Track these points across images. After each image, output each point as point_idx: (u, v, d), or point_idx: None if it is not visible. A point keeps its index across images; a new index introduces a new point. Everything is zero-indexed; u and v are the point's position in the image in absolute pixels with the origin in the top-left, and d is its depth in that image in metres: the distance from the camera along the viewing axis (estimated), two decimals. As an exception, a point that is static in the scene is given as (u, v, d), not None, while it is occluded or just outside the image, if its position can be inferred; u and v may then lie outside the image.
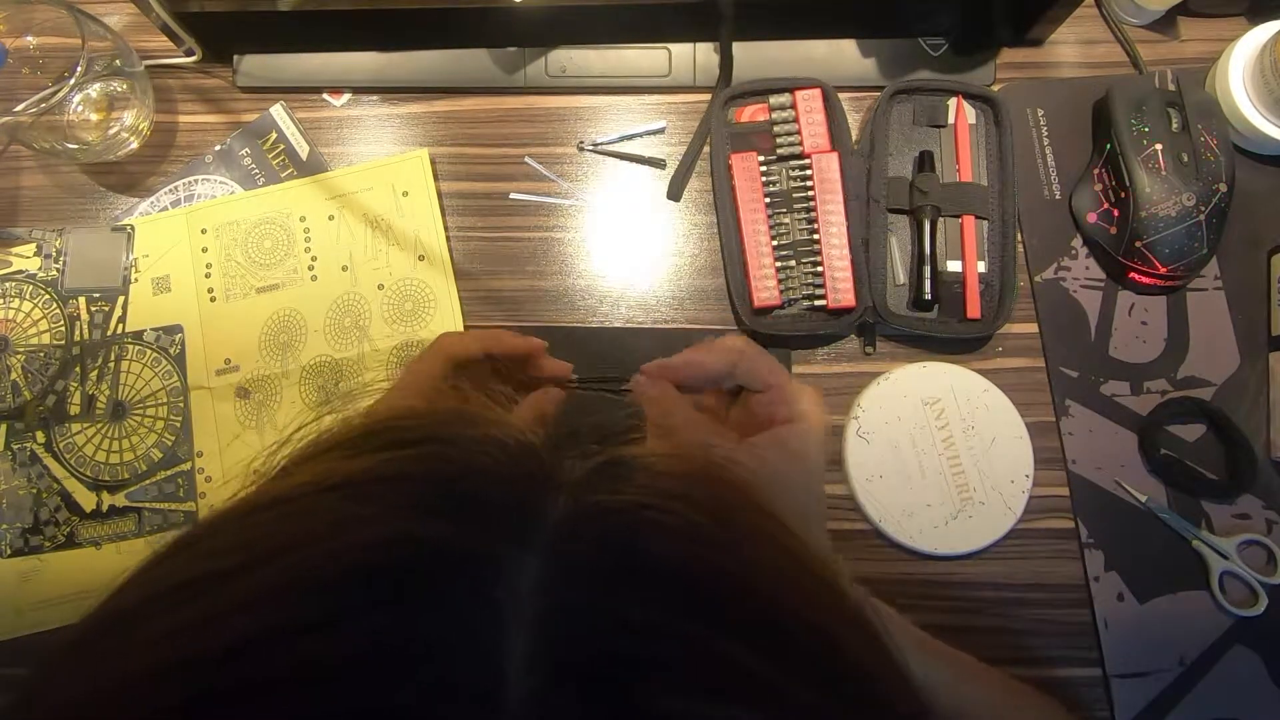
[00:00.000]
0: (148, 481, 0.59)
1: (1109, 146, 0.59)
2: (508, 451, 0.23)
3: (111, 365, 0.60)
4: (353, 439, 0.24)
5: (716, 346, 0.44)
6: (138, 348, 0.60)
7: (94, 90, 0.62)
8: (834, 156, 0.60)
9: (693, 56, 0.63)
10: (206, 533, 0.22)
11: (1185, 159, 0.57)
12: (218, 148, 0.63)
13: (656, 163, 0.63)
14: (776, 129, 0.61)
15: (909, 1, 0.63)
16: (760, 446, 0.43)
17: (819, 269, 0.59)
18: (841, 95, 0.62)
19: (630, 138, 0.64)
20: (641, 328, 0.61)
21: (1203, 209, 0.57)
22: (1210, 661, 0.55)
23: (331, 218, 0.62)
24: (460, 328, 0.60)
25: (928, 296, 0.58)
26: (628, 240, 0.62)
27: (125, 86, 0.61)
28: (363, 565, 0.18)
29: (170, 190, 0.63)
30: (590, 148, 0.63)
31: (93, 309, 0.61)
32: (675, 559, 0.20)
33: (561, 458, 0.23)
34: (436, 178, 0.62)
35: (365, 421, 0.25)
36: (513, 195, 0.63)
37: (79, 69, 0.54)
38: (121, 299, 0.61)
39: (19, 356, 0.60)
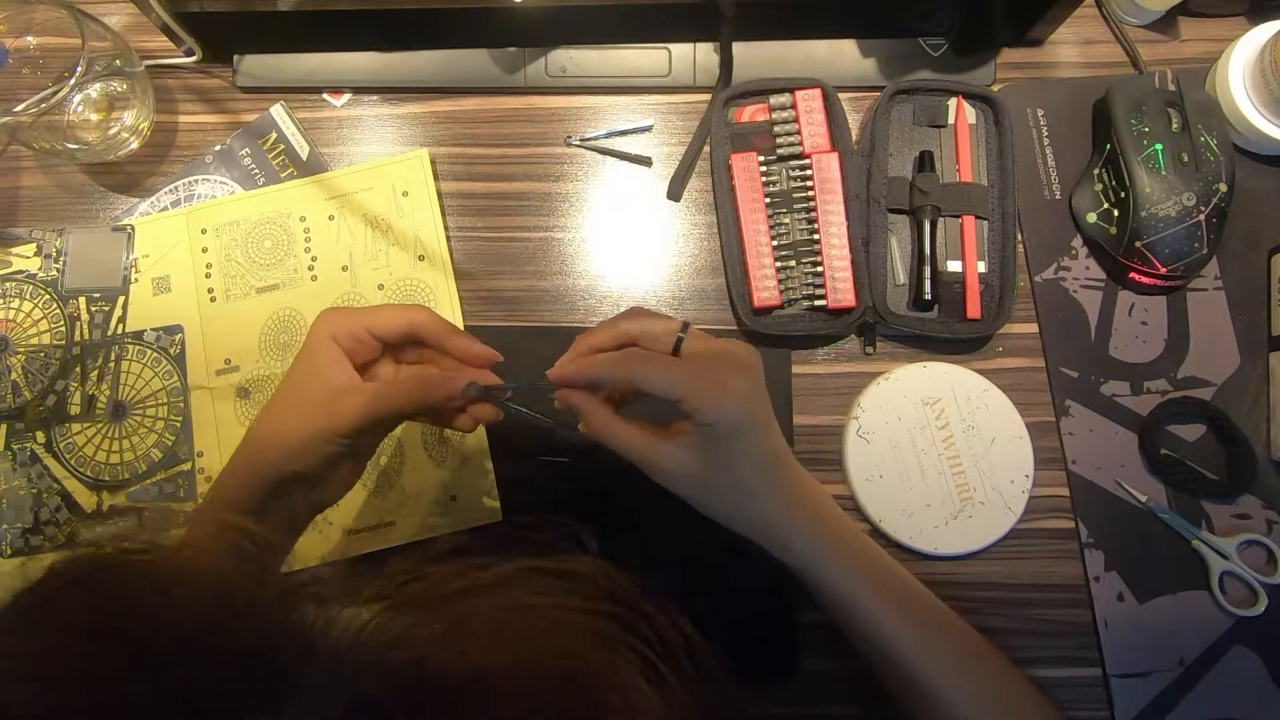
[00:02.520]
0: (148, 481, 0.59)
1: (1109, 146, 0.59)
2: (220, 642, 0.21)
3: (111, 365, 0.60)
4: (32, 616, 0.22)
5: (610, 360, 0.44)
6: (138, 348, 0.60)
7: (94, 90, 0.62)
8: (834, 156, 0.60)
9: (693, 56, 0.63)
10: None
11: (1185, 159, 0.57)
12: (218, 148, 0.63)
13: (643, 160, 0.63)
14: (776, 129, 0.61)
15: (909, 1, 0.63)
16: (666, 459, 0.43)
17: (819, 269, 0.59)
18: (841, 95, 0.62)
19: (619, 134, 0.63)
20: (641, 328, 0.61)
21: (1203, 209, 0.57)
22: (1210, 661, 0.55)
23: (331, 218, 0.62)
24: (460, 327, 0.60)
25: (928, 296, 0.58)
26: (628, 240, 0.62)
27: (125, 86, 0.61)
28: None
29: (170, 190, 0.63)
30: (577, 143, 0.63)
31: (93, 309, 0.61)
32: None
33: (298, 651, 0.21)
34: (436, 178, 0.62)
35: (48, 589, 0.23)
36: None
37: (79, 69, 0.54)
38: (121, 299, 0.61)
39: (19, 356, 0.60)
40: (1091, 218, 0.60)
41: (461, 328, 0.60)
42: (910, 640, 0.45)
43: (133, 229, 0.62)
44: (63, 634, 0.22)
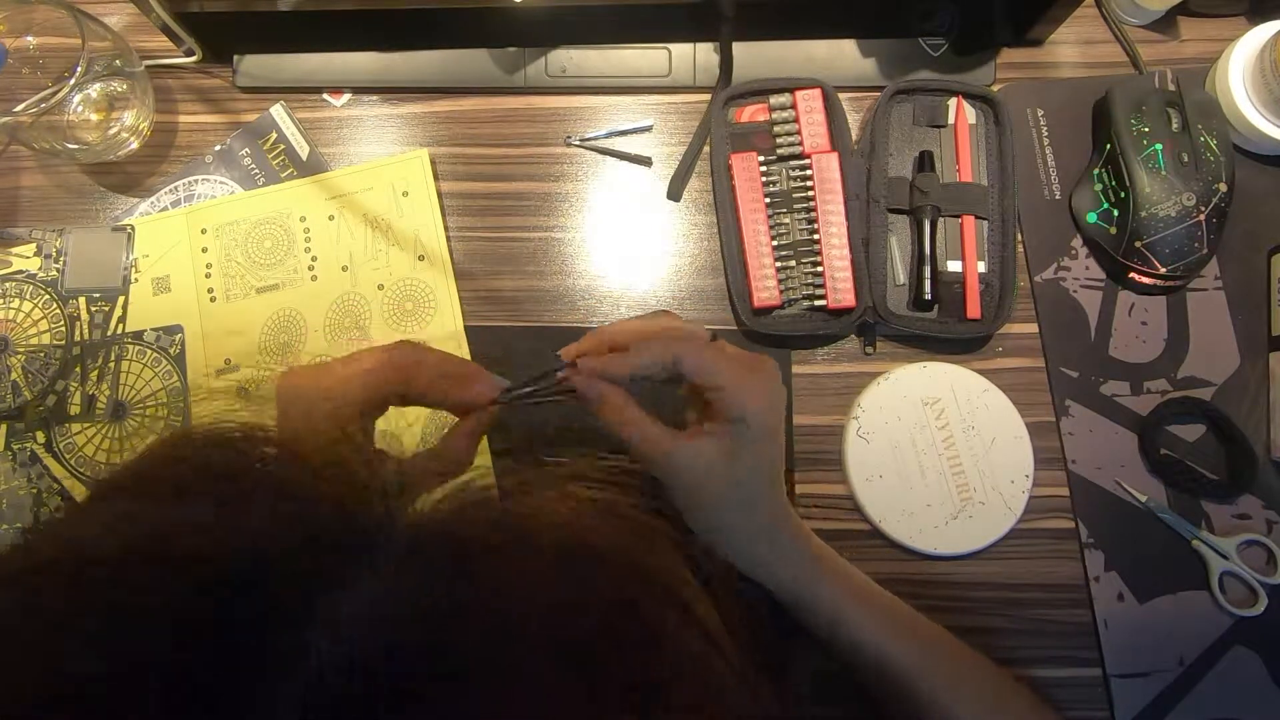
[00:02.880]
0: (148, 481, 0.59)
1: (1109, 146, 0.59)
2: (294, 524, 0.21)
3: (111, 365, 0.60)
4: (141, 482, 0.23)
5: (651, 339, 0.42)
6: (138, 348, 0.60)
7: (94, 90, 0.62)
8: (834, 156, 0.60)
9: (693, 56, 0.63)
10: None
11: (1185, 159, 0.57)
12: (218, 148, 0.63)
13: (643, 160, 0.63)
14: (776, 129, 0.61)
15: (909, 1, 0.63)
16: (686, 455, 0.42)
17: (819, 269, 0.59)
18: (841, 95, 0.62)
19: (619, 134, 0.63)
20: (641, 328, 0.61)
21: (1203, 209, 0.57)
22: (1210, 661, 0.55)
23: (331, 218, 0.62)
24: (460, 328, 0.60)
25: (928, 296, 0.58)
26: (628, 240, 0.62)
27: (125, 86, 0.61)
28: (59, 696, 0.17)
29: (170, 190, 0.63)
30: (578, 143, 0.63)
31: (93, 309, 0.61)
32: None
33: (388, 516, 0.22)
34: (436, 178, 0.62)
35: (154, 458, 0.24)
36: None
37: (79, 69, 0.54)
38: (121, 299, 0.61)
39: (19, 356, 0.60)
40: (1091, 218, 0.60)
41: (461, 328, 0.60)
42: (906, 655, 0.45)
43: (133, 229, 0.62)
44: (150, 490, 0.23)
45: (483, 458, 0.58)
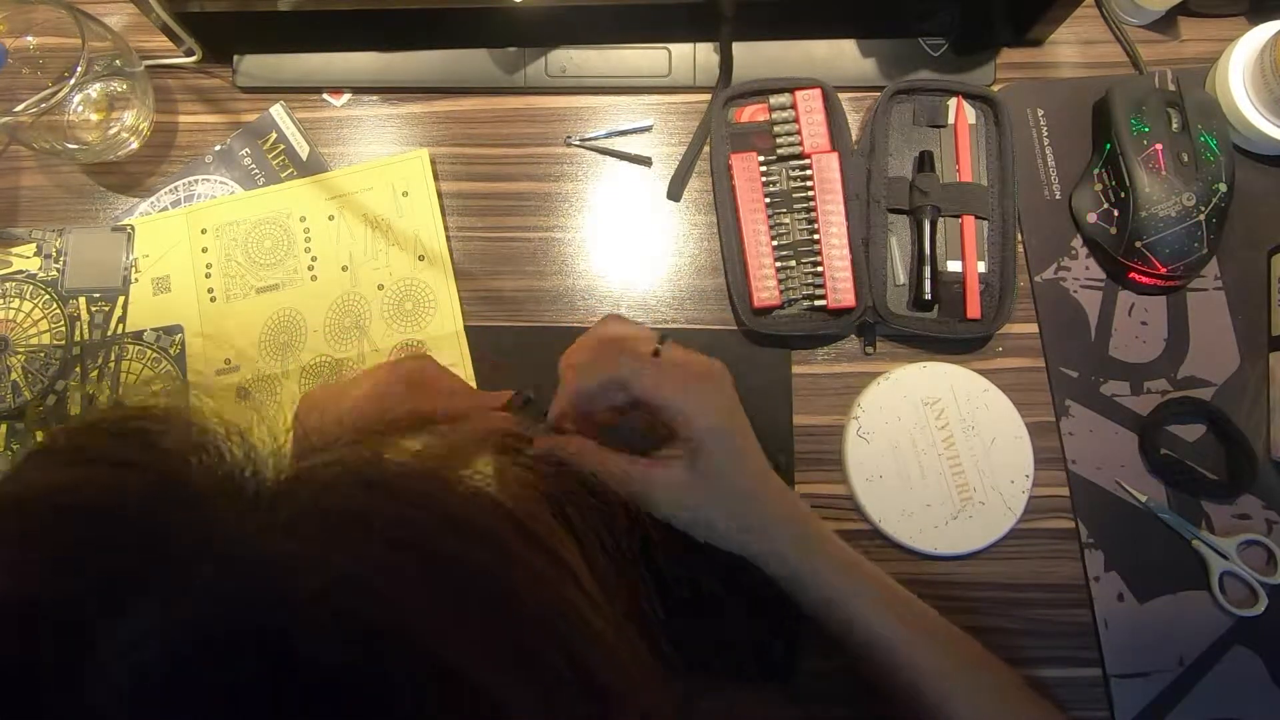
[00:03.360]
0: (148, 481, 0.59)
1: (1109, 146, 0.59)
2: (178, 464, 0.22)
3: (111, 365, 0.60)
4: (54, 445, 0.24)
5: (595, 364, 0.44)
6: (138, 348, 0.60)
7: (94, 90, 0.62)
8: (834, 156, 0.60)
9: (693, 56, 0.63)
10: None
11: (1185, 159, 0.57)
12: (218, 148, 0.63)
13: (643, 160, 0.63)
14: (776, 129, 0.61)
15: (909, 1, 0.63)
16: (651, 482, 0.43)
17: (819, 269, 0.59)
18: (841, 95, 0.62)
19: (619, 134, 0.63)
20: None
21: (1203, 209, 0.57)
22: (1210, 661, 0.54)
23: (331, 218, 0.62)
24: (460, 328, 0.60)
25: (928, 296, 0.58)
26: (628, 240, 0.62)
27: (125, 86, 0.61)
28: None
29: (170, 190, 0.63)
30: (578, 143, 0.63)
31: (93, 309, 0.61)
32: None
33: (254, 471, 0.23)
34: (436, 178, 0.62)
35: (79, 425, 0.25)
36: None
37: (79, 69, 0.54)
38: (121, 299, 0.61)
39: (19, 356, 0.60)
40: (1091, 218, 0.60)
41: (461, 328, 0.60)
42: (911, 642, 0.45)
43: (133, 229, 0.62)
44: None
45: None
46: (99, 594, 0.19)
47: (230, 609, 0.19)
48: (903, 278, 0.60)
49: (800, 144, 0.60)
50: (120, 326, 0.61)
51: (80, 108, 0.61)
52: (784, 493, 0.47)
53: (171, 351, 0.60)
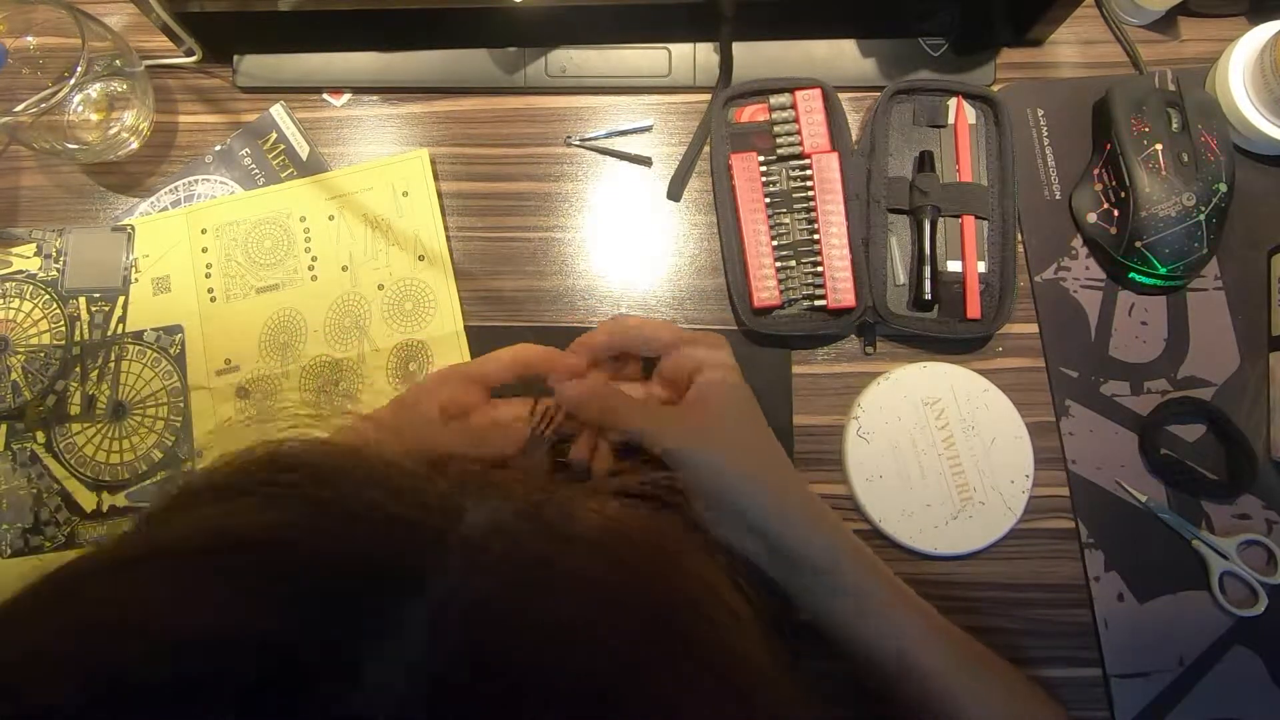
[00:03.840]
0: (148, 482, 0.59)
1: (1109, 146, 0.59)
2: (394, 507, 0.22)
3: (111, 365, 0.60)
4: (228, 483, 0.23)
5: (600, 328, 0.50)
6: (138, 348, 0.60)
7: (94, 90, 0.62)
8: (834, 156, 0.60)
9: (693, 56, 0.63)
10: (69, 583, 0.21)
11: (1185, 159, 0.57)
12: (218, 148, 0.63)
13: (643, 160, 0.63)
14: (776, 129, 0.61)
15: (909, 1, 0.63)
16: (684, 414, 0.46)
17: (819, 269, 0.59)
18: (841, 95, 0.62)
19: (619, 134, 0.63)
20: (641, 328, 0.61)
21: (1203, 209, 0.57)
22: (1210, 661, 0.55)
23: (331, 218, 0.62)
24: (460, 328, 0.60)
25: (928, 296, 0.58)
26: (628, 240, 0.62)
27: (125, 86, 0.61)
28: (182, 676, 0.17)
29: (170, 190, 0.63)
30: (578, 143, 0.63)
31: (93, 309, 0.61)
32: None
33: (456, 514, 0.22)
34: (436, 178, 0.62)
35: (242, 463, 0.24)
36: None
37: (79, 69, 0.54)
38: (121, 299, 0.61)
39: (19, 356, 0.60)
40: (1091, 218, 0.60)
41: (461, 328, 0.60)
42: (923, 640, 0.44)
43: (133, 229, 0.62)
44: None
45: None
46: (329, 642, 0.18)
47: (457, 661, 0.19)
48: (903, 278, 0.60)
49: (800, 144, 0.60)
50: (120, 326, 0.61)
51: (80, 108, 0.61)
52: (790, 472, 0.48)
53: (171, 351, 0.60)
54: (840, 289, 0.58)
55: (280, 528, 0.21)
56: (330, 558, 0.20)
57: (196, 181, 0.63)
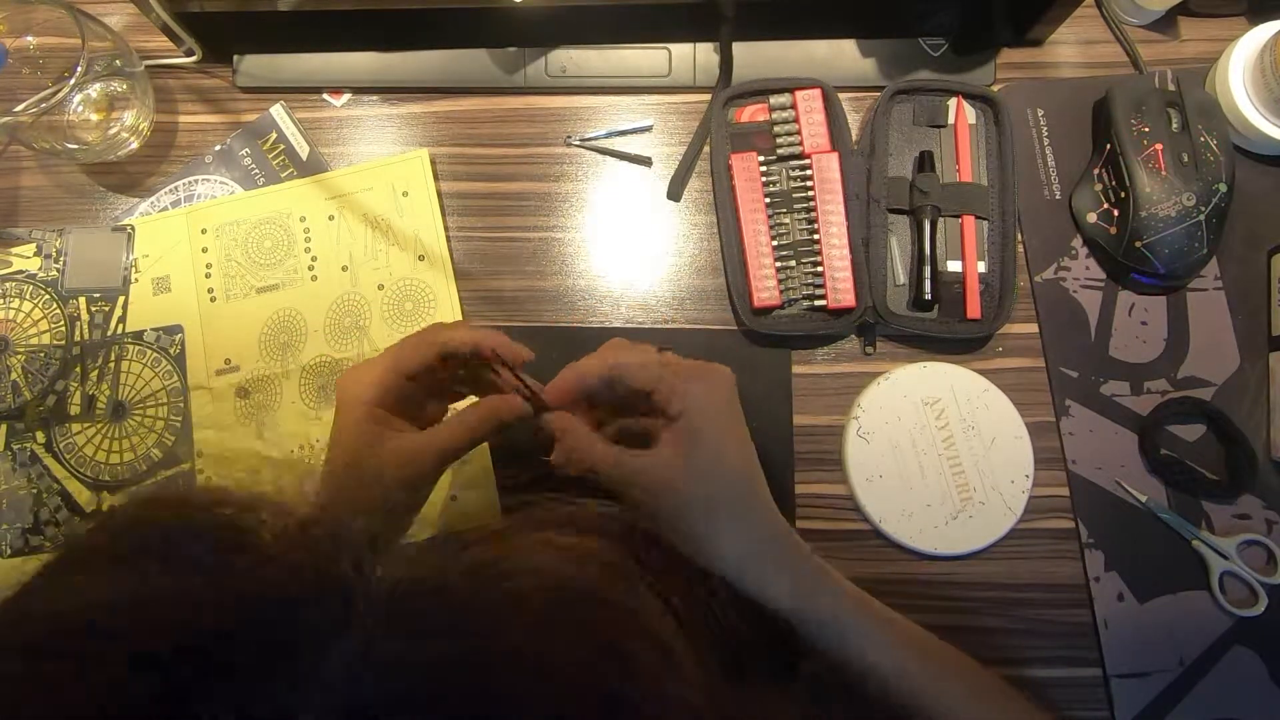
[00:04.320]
0: (148, 481, 0.59)
1: (1109, 146, 0.59)
2: (290, 579, 0.21)
3: (111, 365, 0.60)
4: (94, 546, 0.23)
5: (594, 355, 0.44)
6: (138, 348, 0.60)
7: (94, 90, 0.62)
8: (834, 156, 0.60)
9: (693, 56, 0.63)
10: None
11: (1185, 159, 0.57)
12: (218, 148, 0.63)
13: (643, 160, 0.63)
14: (776, 129, 0.61)
15: (909, 1, 0.63)
16: (635, 464, 0.42)
17: (819, 269, 0.59)
18: (841, 95, 0.62)
19: (619, 134, 0.63)
20: (642, 328, 0.61)
21: (1203, 209, 0.57)
22: (1210, 661, 0.55)
23: (331, 218, 0.62)
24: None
25: (928, 296, 0.58)
26: (628, 240, 0.62)
27: (125, 86, 0.61)
28: None
29: (170, 190, 0.63)
30: (578, 143, 0.63)
31: (93, 309, 0.61)
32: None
33: (360, 571, 0.22)
34: (436, 178, 0.62)
35: (111, 523, 0.23)
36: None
37: (79, 69, 0.54)
38: (121, 299, 0.61)
39: (19, 356, 0.60)
40: (1091, 218, 0.60)
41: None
42: (920, 674, 0.43)
43: (133, 229, 0.62)
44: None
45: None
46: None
47: None
48: (903, 278, 0.60)
49: (800, 144, 0.60)
50: (120, 326, 0.61)
51: (80, 108, 0.61)
52: (772, 517, 0.44)
53: (171, 351, 0.60)
54: (840, 289, 0.58)
55: (164, 599, 0.20)
56: (225, 629, 0.20)
57: (196, 181, 0.63)
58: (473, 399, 0.49)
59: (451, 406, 0.50)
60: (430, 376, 0.45)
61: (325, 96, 0.65)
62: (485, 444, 0.58)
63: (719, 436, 0.42)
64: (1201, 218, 0.57)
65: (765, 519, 0.44)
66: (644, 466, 0.42)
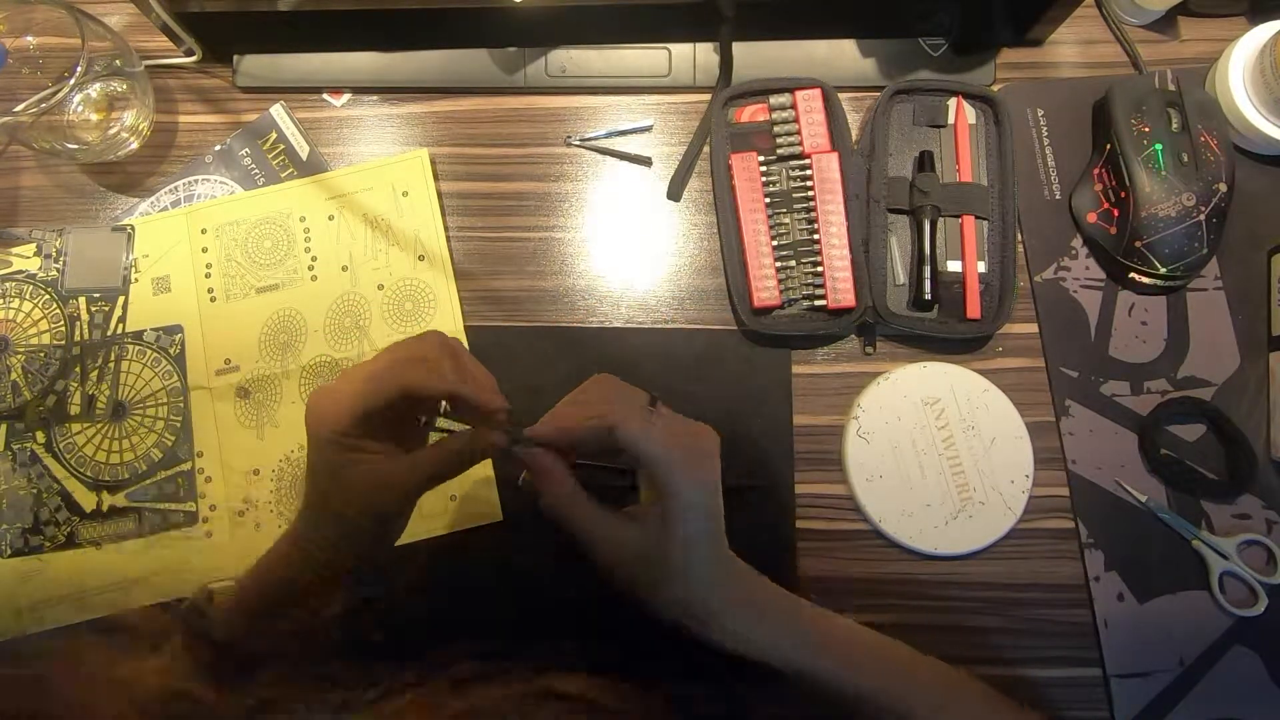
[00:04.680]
0: (148, 481, 0.59)
1: (1109, 146, 0.59)
2: None
3: (111, 365, 0.60)
4: None
5: (583, 401, 0.42)
6: (138, 348, 0.60)
7: (94, 90, 0.62)
8: (834, 156, 0.60)
9: (693, 56, 0.63)
10: None
11: (1185, 159, 0.57)
12: (218, 148, 0.63)
13: (643, 160, 0.63)
14: (776, 129, 0.61)
15: (909, 1, 0.63)
16: (611, 529, 0.41)
17: (819, 269, 0.59)
18: (841, 95, 0.62)
19: (619, 134, 0.63)
20: (641, 328, 0.61)
21: (1203, 209, 0.57)
22: (1210, 661, 0.55)
23: (331, 218, 0.62)
24: (460, 328, 0.60)
25: (928, 296, 0.58)
26: (628, 240, 0.62)
27: (125, 86, 0.61)
28: None
29: (170, 190, 0.63)
30: (578, 143, 0.63)
31: (93, 309, 0.61)
32: None
33: None
34: (436, 178, 0.63)
35: None
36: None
37: (79, 69, 0.54)
38: (121, 299, 0.61)
39: (19, 356, 0.60)
40: (1091, 218, 0.60)
41: (461, 328, 0.60)
42: (922, 707, 0.42)
43: (133, 229, 0.62)
44: None
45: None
46: None
47: None
48: (903, 278, 0.60)
49: (800, 144, 0.60)
50: (120, 326, 0.61)
51: (80, 108, 0.61)
52: (756, 579, 0.44)
53: (171, 351, 0.60)
54: (840, 289, 0.58)
55: None
56: None
57: (196, 181, 0.63)
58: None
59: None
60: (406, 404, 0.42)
61: (325, 96, 0.65)
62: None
63: (700, 517, 0.41)
64: (1201, 218, 0.57)
65: (738, 583, 0.43)
66: (629, 540, 0.41)
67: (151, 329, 0.61)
